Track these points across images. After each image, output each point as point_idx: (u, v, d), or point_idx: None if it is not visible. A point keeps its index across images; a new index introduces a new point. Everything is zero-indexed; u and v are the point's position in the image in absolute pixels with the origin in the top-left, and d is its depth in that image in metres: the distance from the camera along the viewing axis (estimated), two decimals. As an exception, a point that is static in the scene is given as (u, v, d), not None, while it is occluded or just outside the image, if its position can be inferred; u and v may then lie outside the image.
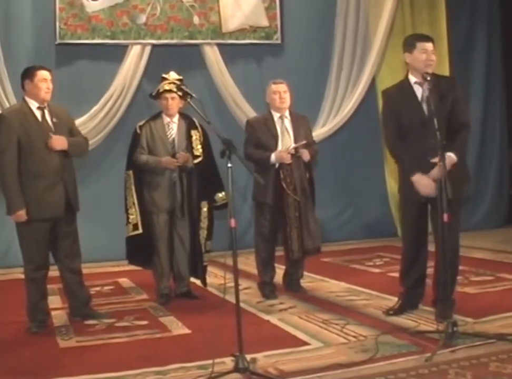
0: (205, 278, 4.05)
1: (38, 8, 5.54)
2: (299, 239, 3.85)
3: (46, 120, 3.38)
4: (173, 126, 3.93)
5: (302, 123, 4.03)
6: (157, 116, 3.98)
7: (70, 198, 3.39)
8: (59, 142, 3.33)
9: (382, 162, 6.45)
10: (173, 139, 3.91)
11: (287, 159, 3.82)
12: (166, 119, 3.93)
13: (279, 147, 3.89)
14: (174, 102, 3.87)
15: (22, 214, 3.27)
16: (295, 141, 3.89)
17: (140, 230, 3.85)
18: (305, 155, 3.87)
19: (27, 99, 3.37)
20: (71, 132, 3.50)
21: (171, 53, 5.74)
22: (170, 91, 3.83)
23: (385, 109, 3.41)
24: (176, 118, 3.94)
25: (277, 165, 3.86)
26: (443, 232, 2.93)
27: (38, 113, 3.36)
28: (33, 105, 3.36)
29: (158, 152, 3.87)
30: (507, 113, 7.01)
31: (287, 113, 3.98)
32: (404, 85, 3.32)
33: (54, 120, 3.38)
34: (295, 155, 3.85)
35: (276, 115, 3.96)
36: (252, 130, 4.00)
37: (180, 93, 3.80)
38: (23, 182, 3.28)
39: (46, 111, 3.39)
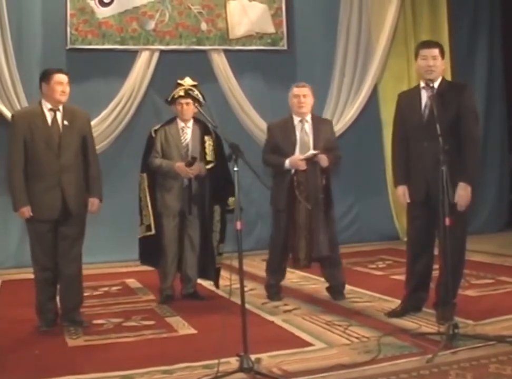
0: (218, 280, 4.09)
1: (49, 14, 5.64)
2: (307, 247, 3.77)
3: (57, 123, 3.39)
4: (187, 131, 3.99)
5: (325, 128, 3.93)
6: (172, 120, 4.03)
7: (68, 201, 3.36)
8: (96, 206, 3.49)
9: (384, 167, 6.50)
10: (187, 144, 3.96)
11: (301, 166, 3.75)
12: (181, 124, 3.99)
13: (297, 152, 3.82)
14: (188, 108, 3.91)
15: (25, 211, 3.32)
16: (314, 147, 3.80)
17: (153, 231, 3.91)
18: (323, 161, 3.77)
19: (42, 101, 3.41)
20: (84, 140, 3.46)
21: (179, 59, 5.81)
22: (184, 96, 3.89)
23: (396, 111, 3.51)
24: (190, 123, 4.00)
25: (293, 171, 3.79)
26: (445, 235, 2.98)
27: (48, 115, 3.39)
28: (46, 106, 3.39)
29: (172, 157, 3.93)
30: (508, 118, 7.05)
31: (308, 117, 3.91)
32: (415, 90, 3.41)
33: (65, 122, 3.40)
34: (312, 161, 3.76)
35: (296, 119, 3.90)
36: (270, 135, 3.98)
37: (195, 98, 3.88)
38: (25, 182, 3.34)
39: (58, 113, 3.40)
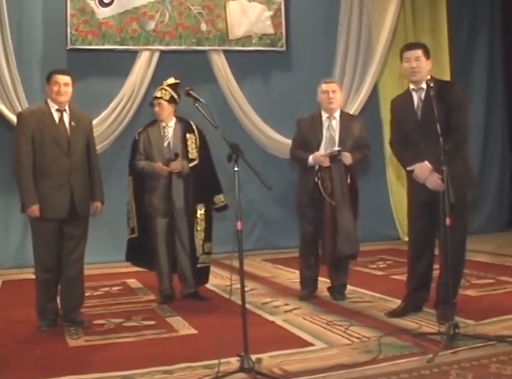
0: (201, 278, 4.05)
1: (50, 14, 5.65)
2: (332, 244, 3.72)
3: (64, 123, 3.42)
4: (168, 130, 4.00)
5: (354, 125, 3.87)
6: (155, 122, 4.06)
7: (75, 201, 3.38)
8: (99, 209, 3.55)
9: (384, 167, 6.51)
10: (168, 143, 3.98)
11: (324, 162, 3.72)
12: (162, 124, 4.01)
13: (322, 148, 3.79)
14: (161, 108, 3.95)
15: (35, 209, 3.31)
16: (340, 144, 3.77)
17: (136, 234, 3.97)
18: (347, 159, 3.73)
19: (48, 101, 3.44)
20: (88, 143, 3.50)
21: (179, 59, 5.82)
22: (157, 97, 3.95)
23: (391, 116, 3.51)
24: (172, 122, 4.01)
25: (316, 167, 3.78)
26: (445, 235, 2.98)
27: (56, 115, 3.42)
28: (53, 106, 3.42)
29: (154, 157, 3.95)
30: (508, 119, 7.06)
31: (337, 114, 3.87)
32: (406, 93, 3.42)
33: (72, 123, 3.43)
34: (336, 158, 3.73)
35: (324, 115, 3.87)
36: (298, 130, 3.97)
37: (167, 98, 3.93)
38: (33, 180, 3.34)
39: (65, 114, 3.43)
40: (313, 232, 3.89)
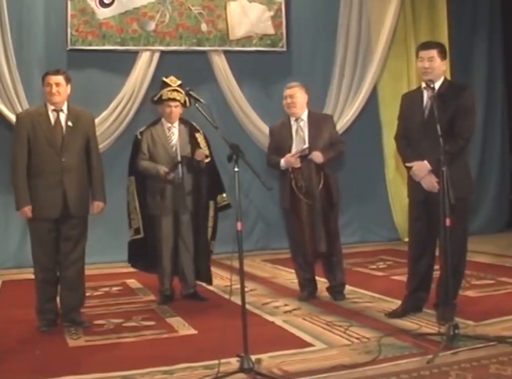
0: (210, 277, 4.08)
1: (50, 15, 5.66)
2: (312, 243, 3.78)
3: (60, 123, 3.42)
4: (174, 131, 3.99)
5: (325, 124, 3.93)
6: (157, 121, 4.04)
7: (69, 202, 3.36)
8: (100, 209, 3.51)
9: (383, 168, 6.51)
10: (175, 144, 3.95)
11: (295, 163, 3.78)
12: (167, 125, 3.99)
13: (293, 150, 3.85)
14: (177, 111, 3.93)
15: (27, 210, 3.33)
16: (310, 144, 3.81)
17: (141, 235, 3.94)
18: (317, 157, 3.76)
19: (46, 102, 3.46)
20: (88, 142, 3.48)
21: (179, 60, 5.82)
22: (174, 100, 3.90)
23: (399, 110, 3.50)
24: (176, 123, 4.00)
25: (290, 169, 3.82)
26: (445, 236, 2.98)
27: (52, 116, 3.42)
28: (50, 107, 3.44)
29: (160, 157, 3.92)
30: (508, 118, 7.06)
31: (304, 115, 3.91)
32: (418, 90, 3.42)
33: (69, 123, 3.42)
34: (306, 158, 3.77)
35: (292, 119, 3.93)
36: (271, 136, 4.05)
37: (182, 101, 3.91)
38: (28, 180, 3.36)
39: (62, 114, 3.44)
40: (297, 235, 3.90)
